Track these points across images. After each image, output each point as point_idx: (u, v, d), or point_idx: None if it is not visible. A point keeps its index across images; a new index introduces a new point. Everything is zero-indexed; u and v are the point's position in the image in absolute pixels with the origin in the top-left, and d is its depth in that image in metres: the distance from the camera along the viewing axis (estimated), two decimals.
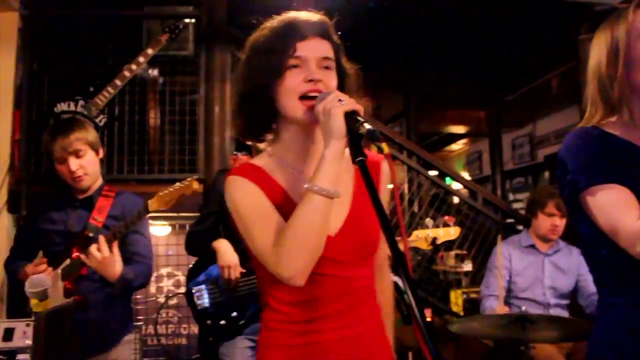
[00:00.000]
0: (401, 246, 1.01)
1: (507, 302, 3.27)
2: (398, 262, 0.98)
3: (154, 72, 4.27)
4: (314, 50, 1.30)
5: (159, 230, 4.87)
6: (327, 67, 1.31)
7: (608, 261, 1.40)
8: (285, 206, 1.30)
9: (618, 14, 1.45)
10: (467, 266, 5.16)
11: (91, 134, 2.53)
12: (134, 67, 3.81)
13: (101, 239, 2.30)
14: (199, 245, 2.85)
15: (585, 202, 1.37)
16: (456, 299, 4.85)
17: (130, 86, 4.04)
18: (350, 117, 1.18)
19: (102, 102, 3.76)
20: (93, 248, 2.29)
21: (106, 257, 2.28)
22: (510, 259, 3.41)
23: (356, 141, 1.18)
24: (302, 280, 1.23)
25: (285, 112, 1.31)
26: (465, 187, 5.23)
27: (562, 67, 6.39)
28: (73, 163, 2.45)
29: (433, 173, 5.03)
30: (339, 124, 1.18)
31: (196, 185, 2.26)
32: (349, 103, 1.20)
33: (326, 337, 1.31)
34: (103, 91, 3.77)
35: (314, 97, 1.26)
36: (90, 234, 2.44)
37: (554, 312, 3.31)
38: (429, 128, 9.26)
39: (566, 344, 3.24)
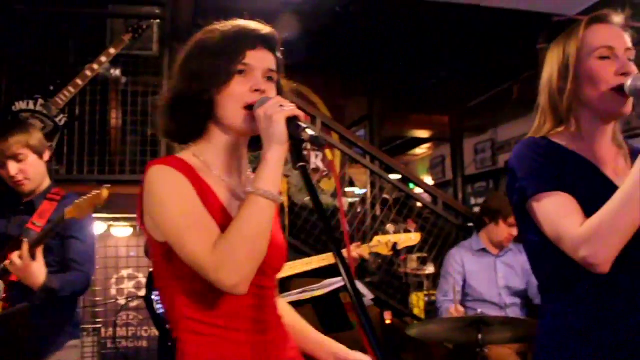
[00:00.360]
0: (345, 253, 1.02)
1: (464, 306, 3.33)
2: (341, 266, 0.98)
3: (117, 72, 4.21)
4: (262, 61, 1.30)
5: (120, 231, 4.82)
6: (270, 79, 1.31)
7: (552, 267, 1.45)
8: (217, 212, 1.24)
9: (571, 30, 1.52)
10: (430, 269, 5.22)
11: (34, 137, 2.45)
12: (95, 66, 3.77)
13: (24, 245, 2.19)
14: None
15: (531, 209, 1.42)
16: (418, 302, 4.90)
17: (92, 85, 3.97)
18: (292, 122, 1.17)
19: (62, 102, 3.70)
20: (15, 255, 2.18)
21: (27, 265, 2.17)
22: (463, 264, 3.49)
23: (298, 147, 1.17)
24: (246, 288, 1.16)
25: (225, 118, 1.28)
26: (426, 191, 5.31)
27: (523, 74, 6.53)
28: (12, 167, 2.39)
29: (396, 177, 5.09)
30: (280, 130, 1.17)
31: (106, 194, 2.15)
32: (291, 108, 1.19)
33: (256, 348, 1.26)
34: (64, 90, 3.71)
35: None
36: (26, 240, 2.30)
37: (510, 312, 3.39)
38: (393, 132, 9.33)
39: (521, 344, 3.31)
